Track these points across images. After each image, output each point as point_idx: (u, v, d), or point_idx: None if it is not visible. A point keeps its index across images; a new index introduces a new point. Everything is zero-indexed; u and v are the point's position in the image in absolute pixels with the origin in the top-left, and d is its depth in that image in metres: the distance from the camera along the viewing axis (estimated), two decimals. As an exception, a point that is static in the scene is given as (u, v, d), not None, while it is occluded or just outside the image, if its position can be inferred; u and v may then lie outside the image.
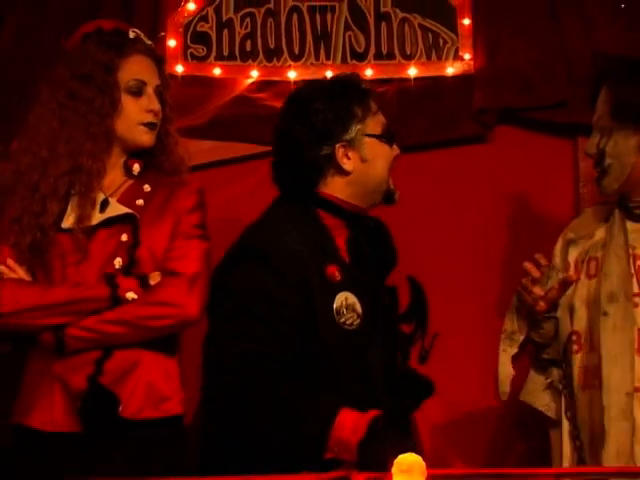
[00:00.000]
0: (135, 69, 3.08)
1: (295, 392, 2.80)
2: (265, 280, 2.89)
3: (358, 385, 2.91)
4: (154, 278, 2.98)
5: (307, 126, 2.99)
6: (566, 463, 3.13)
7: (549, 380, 3.22)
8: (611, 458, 3.07)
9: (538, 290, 3.08)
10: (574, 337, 3.17)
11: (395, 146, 3.06)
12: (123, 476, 2.50)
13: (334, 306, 2.91)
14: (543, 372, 3.24)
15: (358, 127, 2.99)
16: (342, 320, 2.91)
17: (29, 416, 2.96)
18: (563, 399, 3.21)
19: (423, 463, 2.17)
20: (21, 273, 3.03)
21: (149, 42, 3.19)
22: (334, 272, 2.93)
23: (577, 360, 3.17)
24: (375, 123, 3.03)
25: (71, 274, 2.99)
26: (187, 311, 2.96)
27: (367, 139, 2.99)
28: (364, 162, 2.99)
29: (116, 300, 2.93)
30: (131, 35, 3.12)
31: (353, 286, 2.96)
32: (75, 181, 3.02)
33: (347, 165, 2.97)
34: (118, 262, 2.99)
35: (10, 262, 3.02)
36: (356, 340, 2.93)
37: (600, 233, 3.23)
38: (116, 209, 3.02)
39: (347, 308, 2.93)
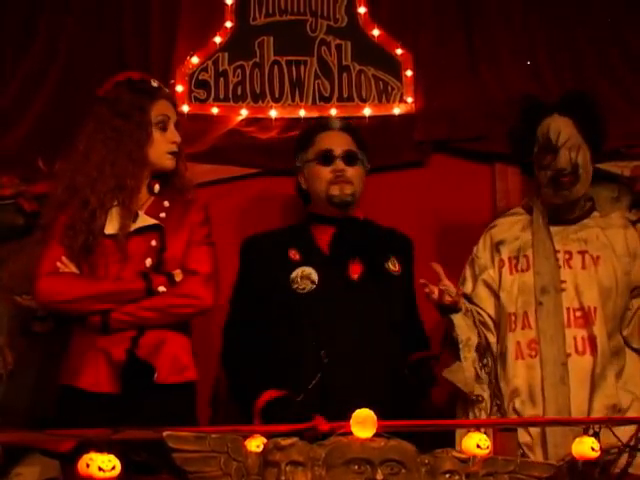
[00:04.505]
0: (161, 109, 3.43)
1: (251, 362, 3.46)
2: (242, 268, 3.60)
3: (312, 344, 3.39)
4: (178, 275, 3.32)
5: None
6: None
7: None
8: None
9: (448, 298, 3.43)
10: (513, 317, 3.52)
11: (338, 162, 3.58)
12: (151, 426, 2.60)
13: (290, 277, 3.48)
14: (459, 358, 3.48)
15: (302, 156, 3.66)
16: (295, 286, 3.46)
17: (77, 379, 3.25)
18: (486, 376, 3.50)
19: (375, 417, 2.43)
20: (72, 268, 3.32)
21: (167, 90, 3.58)
22: (295, 254, 3.53)
23: (512, 336, 3.50)
24: (314, 151, 3.63)
25: (112, 271, 3.30)
26: (204, 302, 3.31)
27: (307, 164, 3.64)
28: (308, 181, 3.65)
29: (150, 292, 3.28)
30: (154, 84, 3.47)
31: (313, 264, 3.50)
32: (118, 196, 3.33)
33: (304, 185, 3.66)
34: (149, 262, 3.32)
35: (64, 259, 3.32)
36: (309, 302, 3.44)
37: (526, 236, 3.60)
38: (146, 220, 3.35)
39: (302, 278, 3.46)
